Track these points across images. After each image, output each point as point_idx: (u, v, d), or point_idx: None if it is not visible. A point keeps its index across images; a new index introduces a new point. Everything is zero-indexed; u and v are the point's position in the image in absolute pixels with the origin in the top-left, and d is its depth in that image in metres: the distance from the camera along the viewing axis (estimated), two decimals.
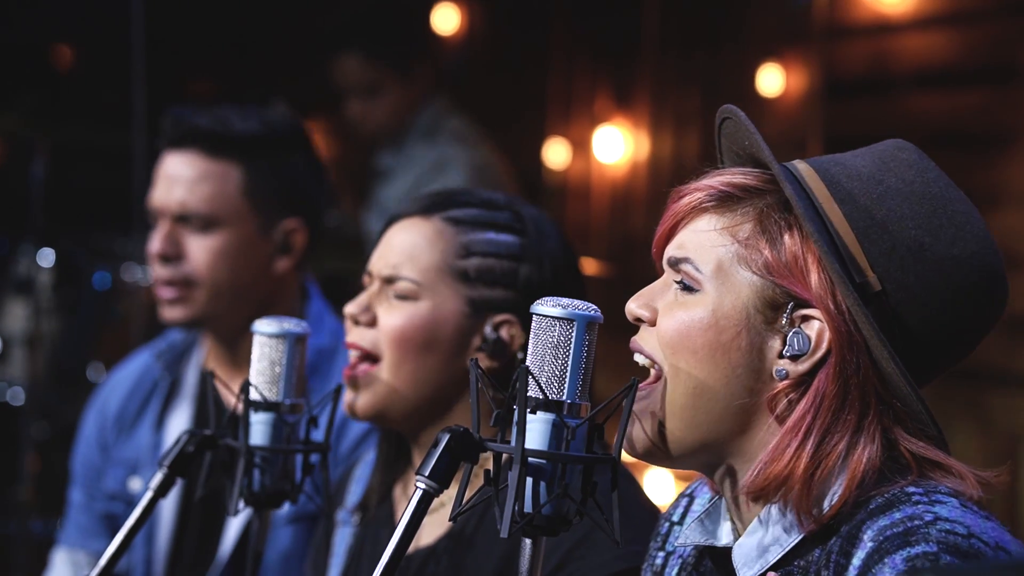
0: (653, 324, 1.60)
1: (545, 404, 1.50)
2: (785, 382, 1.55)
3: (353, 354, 2.09)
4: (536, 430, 1.49)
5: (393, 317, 2.07)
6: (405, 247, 2.09)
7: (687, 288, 1.59)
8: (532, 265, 2.09)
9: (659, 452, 1.59)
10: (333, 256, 4.80)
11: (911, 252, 1.55)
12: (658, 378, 1.59)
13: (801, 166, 1.59)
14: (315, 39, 5.13)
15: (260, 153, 2.75)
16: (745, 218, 1.58)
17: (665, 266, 1.63)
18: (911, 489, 1.51)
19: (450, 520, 1.53)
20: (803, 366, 1.55)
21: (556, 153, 5.77)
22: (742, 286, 1.57)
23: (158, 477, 1.85)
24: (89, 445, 2.93)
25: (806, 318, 1.56)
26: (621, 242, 5.48)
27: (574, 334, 1.51)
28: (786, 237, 1.56)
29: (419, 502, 1.51)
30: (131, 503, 2.82)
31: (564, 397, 1.50)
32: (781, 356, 1.56)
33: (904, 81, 4.55)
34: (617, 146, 5.55)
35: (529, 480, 1.49)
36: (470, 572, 2.01)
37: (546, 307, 1.52)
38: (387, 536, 2.05)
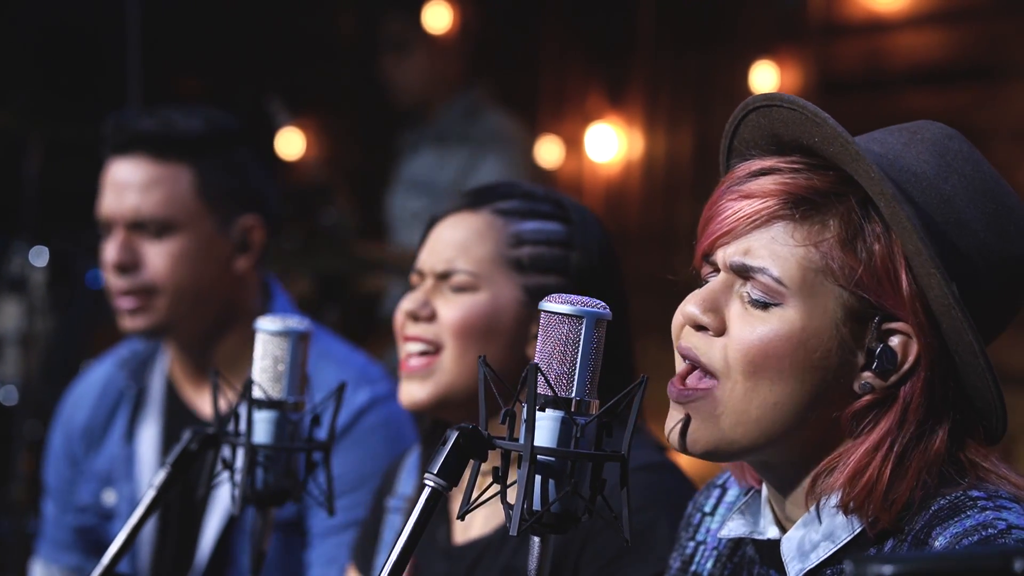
0: (719, 334, 1.53)
1: (554, 401, 1.48)
2: (868, 397, 1.51)
3: (412, 347, 2.10)
4: (545, 427, 1.48)
5: (453, 309, 2.09)
6: (456, 241, 2.11)
7: (763, 300, 1.51)
8: (581, 251, 2.12)
9: (715, 454, 1.54)
10: (329, 255, 4.79)
11: (980, 255, 1.52)
12: (706, 378, 1.53)
13: (878, 169, 1.50)
14: (308, 38, 5.12)
15: (209, 151, 2.70)
16: (827, 227, 1.51)
17: (726, 270, 1.55)
18: (975, 493, 1.49)
19: (458, 518, 1.52)
20: (890, 381, 1.51)
21: (549, 151, 5.76)
22: (828, 300, 1.50)
23: (162, 476, 1.84)
24: (58, 458, 2.90)
25: (890, 331, 1.51)
26: (615, 240, 5.47)
27: (583, 331, 1.49)
28: (876, 247, 1.50)
29: (427, 500, 1.50)
30: (106, 516, 2.80)
31: (573, 394, 1.48)
32: (864, 370, 1.51)
33: (898, 79, 4.55)
34: (610, 144, 5.54)
35: (538, 478, 1.48)
36: (523, 569, 2.02)
37: (555, 304, 1.51)
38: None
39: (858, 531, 1.52)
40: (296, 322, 1.88)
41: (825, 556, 1.54)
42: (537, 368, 1.48)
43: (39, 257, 4.38)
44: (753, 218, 1.53)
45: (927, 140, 1.57)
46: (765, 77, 4.93)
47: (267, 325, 1.87)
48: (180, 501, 2.65)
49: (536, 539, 1.49)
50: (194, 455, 1.84)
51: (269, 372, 1.85)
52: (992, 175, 1.57)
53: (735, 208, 1.54)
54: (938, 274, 1.47)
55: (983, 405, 1.52)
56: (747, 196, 1.54)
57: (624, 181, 5.58)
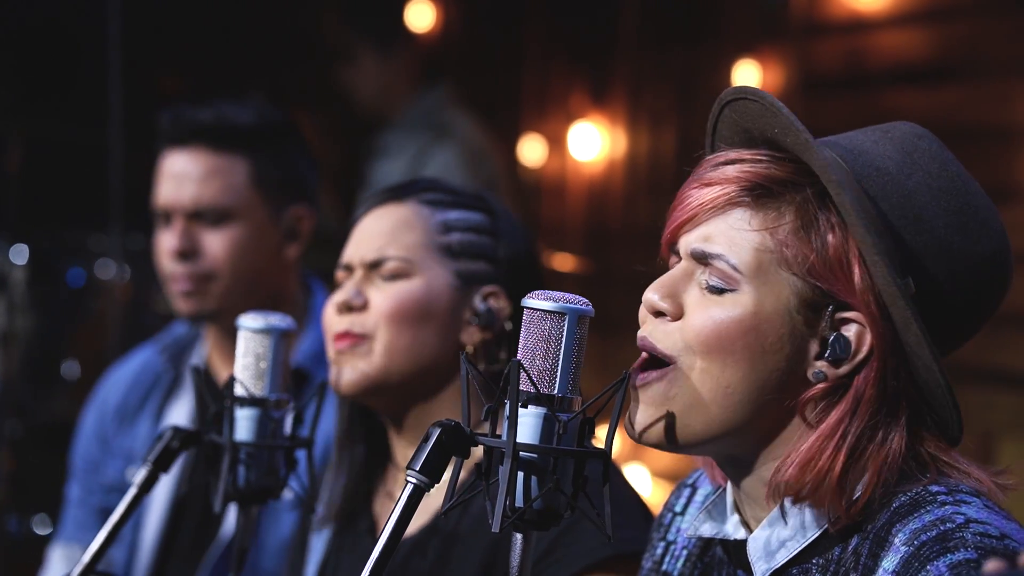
0: (676, 319, 1.55)
1: (536, 398, 1.49)
2: (822, 385, 1.53)
3: (343, 344, 2.08)
4: (527, 424, 1.48)
5: (388, 296, 2.08)
6: (384, 230, 2.11)
7: (719, 286, 1.53)
8: (507, 240, 2.14)
9: (670, 443, 1.55)
10: (311, 253, 4.78)
11: (942, 251, 1.53)
12: (663, 366, 1.55)
13: (829, 157, 1.53)
14: (291, 37, 5.11)
15: (262, 143, 2.80)
16: (783, 215, 1.53)
17: (687, 257, 1.57)
18: (935, 488, 1.50)
19: (442, 514, 1.51)
20: (843, 370, 1.52)
21: (532, 150, 5.76)
22: (782, 287, 1.52)
23: (142, 473, 1.84)
24: (88, 439, 2.96)
25: (845, 320, 1.53)
26: (598, 239, 5.48)
27: (565, 327, 1.50)
28: (829, 237, 1.51)
29: (410, 496, 1.50)
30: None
31: (555, 391, 1.49)
32: (818, 358, 1.53)
33: (880, 78, 4.56)
34: (593, 143, 5.54)
35: (520, 474, 1.48)
36: (456, 562, 2.01)
37: (537, 300, 1.51)
38: (371, 545, 2.06)
39: (823, 529, 1.53)
40: (279, 319, 1.88)
41: (790, 556, 1.55)
42: (519, 364, 1.49)
43: (19, 255, 4.36)
44: (711, 204, 1.55)
45: (896, 138, 1.58)
46: (747, 76, 4.93)
47: (249, 322, 1.87)
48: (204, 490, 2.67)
49: (518, 536, 1.49)
50: (175, 453, 1.83)
51: (251, 369, 1.85)
52: (959, 174, 1.58)
53: (697, 196, 1.57)
54: (882, 263, 1.49)
55: (933, 399, 1.53)
56: (708, 184, 1.56)
57: (607, 180, 5.58)
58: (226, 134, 2.78)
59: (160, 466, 1.83)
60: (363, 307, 2.09)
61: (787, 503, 1.54)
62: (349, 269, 2.14)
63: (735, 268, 1.53)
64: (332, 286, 2.18)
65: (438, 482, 1.51)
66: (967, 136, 4.23)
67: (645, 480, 4.52)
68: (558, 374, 1.49)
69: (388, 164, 4.70)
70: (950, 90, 4.38)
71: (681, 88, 5.27)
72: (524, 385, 1.49)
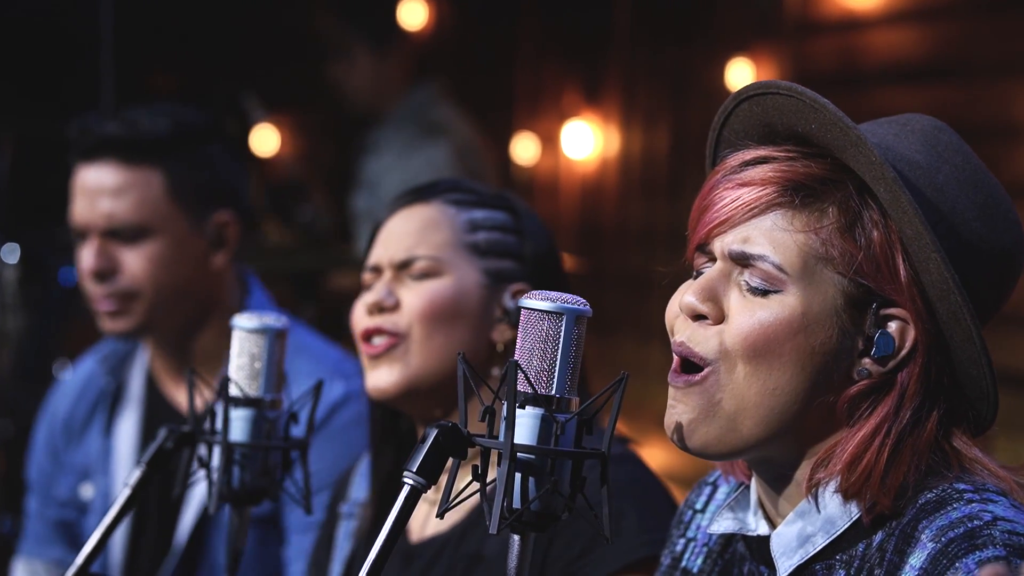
0: (718, 322, 1.52)
1: (534, 399, 1.47)
2: (866, 382, 1.52)
3: (377, 340, 2.08)
4: (525, 425, 1.47)
5: (419, 295, 2.08)
6: (412, 230, 2.11)
7: (763, 287, 1.51)
8: (531, 238, 2.14)
9: (719, 449, 1.53)
10: (306, 251, 4.77)
11: (972, 245, 1.53)
12: (701, 370, 1.52)
13: (880, 154, 1.50)
14: (282, 35, 5.10)
15: (178, 151, 2.69)
16: (827, 214, 1.50)
17: (723, 259, 1.53)
18: (961, 486, 1.49)
19: (437, 516, 1.50)
20: (888, 366, 1.51)
21: (525, 148, 5.75)
22: (828, 287, 1.50)
23: (136, 475, 1.82)
24: (40, 452, 2.90)
25: (888, 316, 1.51)
26: (591, 238, 5.47)
27: (563, 328, 1.48)
28: (875, 234, 1.50)
29: (406, 498, 1.49)
30: (83, 510, 2.79)
31: (553, 391, 1.47)
32: (862, 356, 1.52)
33: (873, 77, 4.55)
34: (586, 142, 5.53)
35: (518, 476, 1.47)
36: (487, 559, 2.01)
37: (535, 301, 1.50)
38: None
39: (847, 525, 1.52)
40: (273, 319, 1.87)
41: (814, 552, 1.54)
42: (517, 365, 1.48)
43: (11, 254, 4.34)
44: (752, 206, 1.52)
45: (917, 131, 1.57)
46: (741, 74, 4.93)
47: (244, 322, 1.85)
48: (157, 496, 2.63)
49: (516, 538, 1.48)
50: (169, 453, 1.82)
51: (246, 370, 1.84)
52: (980, 166, 1.57)
53: (732, 196, 1.53)
54: (938, 258, 1.47)
55: (975, 393, 1.52)
56: (744, 184, 1.53)
57: (601, 178, 5.57)
58: (137, 146, 2.65)
59: (155, 467, 1.81)
60: (395, 307, 2.09)
61: (816, 500, 1.52)
62: (377, 271, 2.13)
63: (780, 268, 1.50)
64: (315, 287, 2.16)
65: (435, 484, 1.50)
66: (962, 135, 4.21)
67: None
68: (556, 375, 1.48)
69: (378, 161, 4.69)
70: (943, 89, 4.37)
71: (675, 87, 5.26)
72: (522, 386, 1.48)
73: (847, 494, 1.51)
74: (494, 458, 1.47)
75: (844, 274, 1.50)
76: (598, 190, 5.57)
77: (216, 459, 1.80)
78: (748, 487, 1.63)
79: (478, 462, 1.50)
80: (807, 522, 1.54)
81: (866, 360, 1.52)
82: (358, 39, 4.68)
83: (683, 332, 1.55)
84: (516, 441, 1.46)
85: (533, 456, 1.46)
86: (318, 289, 4.83)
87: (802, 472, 1.55)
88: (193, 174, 2.70)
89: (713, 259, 1.56)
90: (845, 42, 4.66)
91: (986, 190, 1.55)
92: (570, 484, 1.49)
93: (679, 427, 1.53)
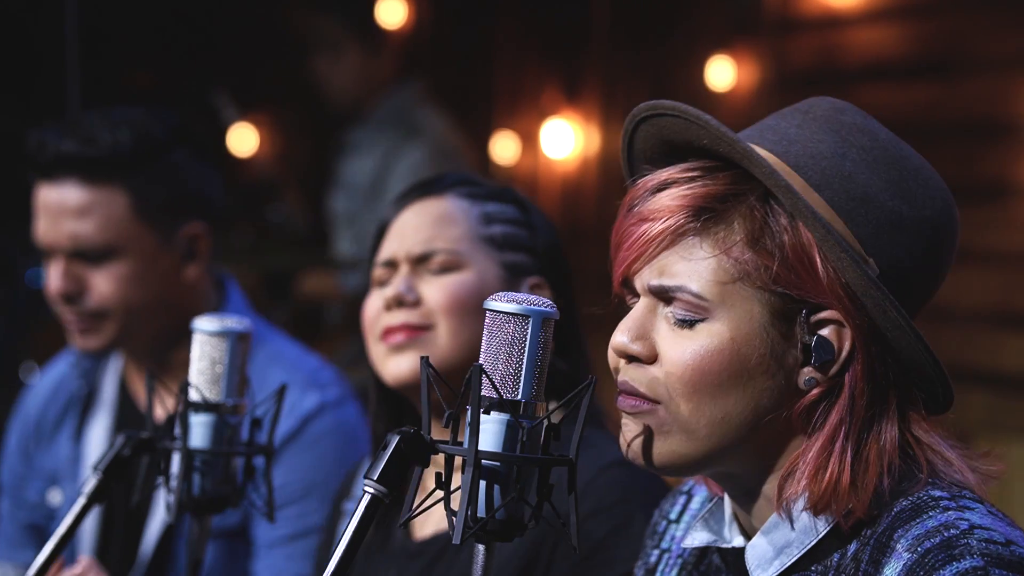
0: (651, 360, 1.50)
1: (499, 404, 1.43)
2: (816, 390, 1.49)
3: (399, 336, 2.03)
4: (490, 431, 1.42)
5: (441, 289, 2.03)
6: (428, 223, 2.07)
7: (688, 318, 1.48)
8: (541, 232, 2.10)
9: (668, 469, 1.52)
10: (279, 252, 4.72)
11: (893, 224, 1.49)
12: (649, 403, 1.51)
13: (766, 155, 1.50)
14: (260, 32, 5.05)
15: (140, 166, 2.56)
16: (734, 231, 1.48)
17: (645, 294, 1.52)
18: (937, 492, 1.46)
19: (400, 525, 1.46)
20: (832, 371, 1.48)
21: (504, 148, 5.71)
22: (751, 304, 1.48)
23: (92, 483, 1.77)
24: (12, 454, 2.82)
25: (820, 322, 1.49)
26: (571, 238, 5.43)
27: (529, 331, 1.44)
28: (785, 238, 1.47)
29: (367, 507, 1.44)
30: (51, 515, 2.73)
31: (519, 396, 1.43)
32: (804, 365, 1.49)
33: (854, 74, 4.54)
34: (566, 141, 5.50)
35: (483, 483, 1.42)
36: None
37: (500, 303, 1.45)
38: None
39: (822, 535, 1.49)
40: (235, 322, 1.82)
41: (789, 563, 1.51)
42: (481, 369, 1.43)
43: None
44: (659, 239, 1.50)
45: (820, 118, 1.54)
46: (721, 72, 4.90)
47: (205, 325, 1.81)
48: (124, 503, 2.57)
49: (481, 547, 1.44)
50: (127, 461, 1.77)
51: (207, 374, 1.79)
52: (890, 140, 1.53)
53: (640, 231, 1.51)
54: (847, 256, 1.45)
55: (923, 377, 1.50)
56: (649, 218, 1.51)
57: (581, 178, 5.54)
58: (98, 165, 2.51)
59: (112, 475, 1.76)
60: (416, 303, 2.04)
61: (790, 510, 1.50)
62: (392, 265, 2.08)
63: (700, 297, 1.48)
64: (289, 289, 2.11)
65: (396, 492, 1.46)
66: (942, 132, 4.20)
67: None
68: (522, 379, 1.44)
69: (359, 162, 4.65)
70: (925, 86, 4.36)
71: (655, 85, 5.23)
72: (487, 390, 1.43)
73: (817, 507, 1.48)
74: (459, 465, 1.43)
75: (764, 287, 1.48)
76: (578, 190, 5.53)
77: (176, 466, 1.75)
78: (722, 499, 1.60)
79: (441, 469, 1.46)
80: (781, 534, 1.51)
81: (808, 369, 1.49)
82: (349, 35, 4.62)
83: (626, 373, 1.53)
84: (480, 448, 1.42)
85: (498, 463, 1.42)
86: (292, 290, 4.78)
87: (770, 487, 1.52)
88: (159, 188, 2.58)
89: (637, 294, 1.54)
90: (825, 40, 4.64)
91: (899, 165, 1.51)
92: (537, 492, 1.45)
93: (635, 447, 1.52)
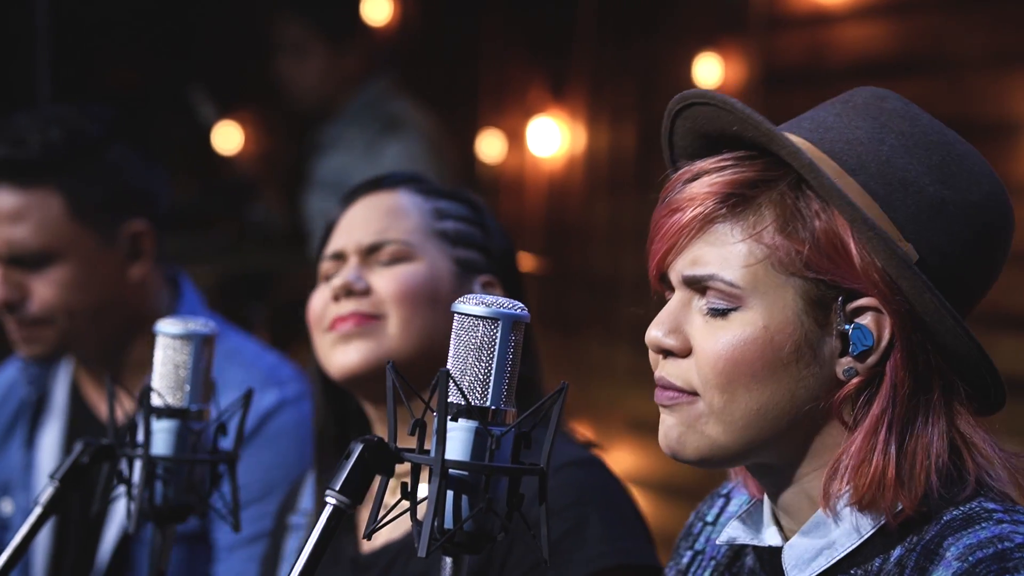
0: (685, 354, 1.48)
1: (467, 411, 1.38)
2: (855, 381, 1.45)
3: (347, 324, 1.98)
4: (457, 439, 1.38)
5: (392, 279, 1.99)
6: (380, 215, 2.03)
7: (722, 307, 1.46)
8: (495, 233, 2.08)
9: (707, 461, 1.49)
10: (258, 251, 4.67)
11: (934, 209, 1.45)
12: (690, 393, 1.48)
13: (798, 142, 1.46)
14: (238, 31, 5.01)
15: (75, 165, 2.48)
16: (764, 217, 1.45)
17: (680, 286, 1.50)
18: (991, 505, 1.42)
19: (364, 537, 1.41)
20: (871, 360, 1.45)
21: (489, 146, 5.65)
22: (785, 292, 1.45)
23: (49, 492, 1.71)
24: None
25: (858, 310, 1.45)
26: (557, 237, 5.38)
27: (499, 334, 1.39)
28: (816, 224, 1.44)
29: (329, 518, 1.39)
30: (3, 526, 2.66)
31: (488, 403, 1.38)
32: (843, 355, 1.45)
33: (843, 72, 4.50)
34: (553, 138, 5.45)
35: (450, 494, 1.38)
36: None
37: (469, 305, 1.40)
38: (343, 536, 1.97)
39: (865, 538, 1.45)
40: (200, 324, 1.77)
41: (827, 565, 1.47)
42: (448, 375, 1.38)
43: None
44: (689, 227, 1.48)
45: (859, 106, 1.51)
46: (709, 70, 4.86)
47: (168, 328, 1.75)
48: (80, 511, 2.51)
49: (448, 560, 1.39)
50: (85, 469, 1.71)
51: (170, 378, 1.74)
52: (934, 126, 1.50)
53: (671, 221, 1.49)
54: (877, 237, 1.41)
55: (969, 369, 1.45)
56: (679, 208, 1.49)
57: (567, 176, 5.49)
58: (28, 167, 2.43)
59: (69, 484, 1.70)
60: (365, 292, 1.99)
61: (839, 508, 1.46)
62: (340, 257, 2.03)
63: (732, 285, 1.46)
64: (267, 289, 2.07)
65: (360, 503, 1.40)
66: None
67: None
68: (491, 385, 1.39)
69: (336, 158, 4.59)
70: (914, 84, 4.32)
71: (642, 82, 5.18)
72: (454, 397, 1.38)
73: (863, 503, 1.44)
74: (426, 474, 1.38)
75: (797, 274, 1.44)
76: (564, 188, 5.48)
77: (137, 474, 1.70)
78: (761, 501, 1.56)
79: (407, 479, 1.41)
80: (822, 534, 1.47)
81: (847, 359, 1.45)
82: (315, 36, 4.58)
83: (661, 369, 1.50)
84: (447, 457, 1.37)
85: (466, 473, 1.37)
86: (270, 290, 4.73)
87: (811, 483, 1.48)
88: (95, 187, 2.50)
89: (673, 288, 1.52)
90: (814, 37, 4.61)
91: (942, 149, 1.48)
92: (507, 502, 1.40)
93: (672, 440, 1.49)
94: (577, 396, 5.06)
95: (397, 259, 2.01)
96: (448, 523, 1.37)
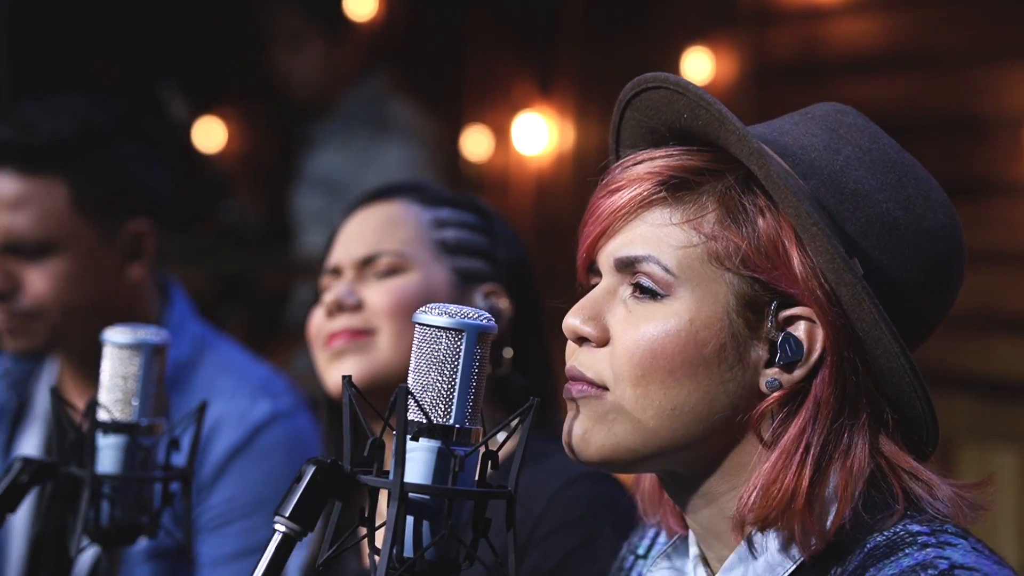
0: (603, 344, 1.37)
1: (429, 430, 1.28)
2: (777, 394, 1.35)
3: (339, 341, 1.94)
4: (418, 460, 1.27)
5: (384, 292, 1.94)
6: (374, 227, 1.99)
7: (649, 293, 1.36)
8: (503, 242, 2.01)
9: (611, 462, 1.38)
10: (233, 252, 4.58)
11: (885, 228, 1.36)
12: (600, 386, 1.38)
13: (746, 128, 1.37)
14: (225, 25, 4.93)
15: (83, 156, 2.39)
16: (706, 206, 1.36)
17: (609, 272, 1.40)
18: (915, 527, 1.32)
19: (316, 568, 1.30)
20: (797, 373, 1.35)
21: (475, 143, 5.56)
22: (718, 286, 1.35)
23: None
24: None
25: (792, 319, 1.35)
26: (545, 237, 5.29)
27: (463, 347, 1.29)
28: (760, 221, 1.34)
29: (278, 547, 1.29)
30: None
31: (451, 421, 1.28)
32: (768, 365, 1.35)
33: (835, 67, 4.44)
34: (540, 135, 5.35)
35: (410, 519, 1.27)
36: None
37: (430, 315, 1.30)
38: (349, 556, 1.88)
39: (798, 562, 1.34)
40: (150, 333, 1.66)
41: None
42: (407, 391, 1.28)
43: None
44: (626, 207, 1.39)
45: (817, 117, 1.42)
46: (698, 64, 4.77)
47: (115, 337, 1.65)
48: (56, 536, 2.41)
49: None
50: (25, 488, 1.60)
51: (118, 391, 1.63)
52: (892, 146, 1.41)
53: (608, 203, 1.40)
54: (822, 236, 1.31)
55: (898, 394, 1.35)
56: (618, 189, 1.40)
57: (555, 174, 5.40)
58: (35, 153, 2.34)
59: (5, 505, 1.60)
60: (357, 307, 1.95)
61: (755, 537, 1.35)
62: (337, 272, 2.00)
63: (666, 269, 1.36)
64: (243, 290, 1.99)
65: (311, 530, 1.30)
66: (924, 126, 4.09)
67: None
68: (454, 401, 1.29)
69: (326, 156, 4.54)
70: (906, 79, 4.26)
71: (632, 77, 5.09)
72: (414, 414, 1.28)
73: (766, 525, 1.33)
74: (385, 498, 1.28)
75: (732, 270, 1.35)
76: (553, 187, 5.39)
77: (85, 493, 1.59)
78: (685, 536, 1.46)
79: (365, 503, 1.30)
80: (746, 569, 1.36)
81: (773, 369, 1.35)
82: (312, 27, 4.51)
83: (574, 358, 1.40)
84: (407, 480, 1.27)
85: (427, 496, 1.27)
86: (246, 292, 4.64)
87: (728, 504, 1.38)
88: (102, 181, 2.40)
89: (600, 277, 1.42)
90: (805, 31, 4.54)
91: (899, 170, 1.39)
92: (472, 528, 1.29)
93: (576, 436, 1.39)
94: (560, 395, 5.00)
95: (391, 271, 1.96)
96: (408, 551, 1.27)
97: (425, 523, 1.27)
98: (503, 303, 1.97)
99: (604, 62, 5.20)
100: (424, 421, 1.27)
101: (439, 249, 1.98)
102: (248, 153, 5.74)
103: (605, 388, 1.37)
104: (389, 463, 1.29)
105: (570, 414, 1.40)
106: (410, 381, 1.30)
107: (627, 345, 1.36)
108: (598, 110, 5.25)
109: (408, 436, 1.27)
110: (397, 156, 4.38)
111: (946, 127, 4.09)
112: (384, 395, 1.88)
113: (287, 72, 4.60)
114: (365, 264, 1.97)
